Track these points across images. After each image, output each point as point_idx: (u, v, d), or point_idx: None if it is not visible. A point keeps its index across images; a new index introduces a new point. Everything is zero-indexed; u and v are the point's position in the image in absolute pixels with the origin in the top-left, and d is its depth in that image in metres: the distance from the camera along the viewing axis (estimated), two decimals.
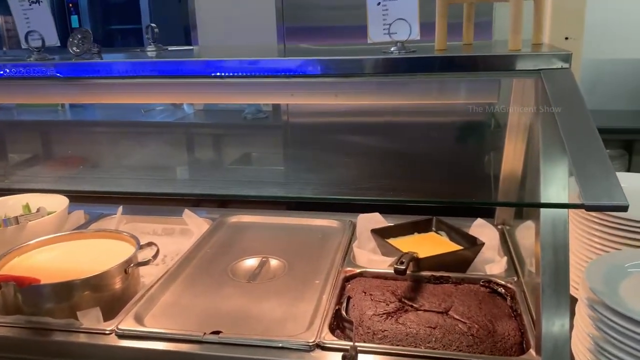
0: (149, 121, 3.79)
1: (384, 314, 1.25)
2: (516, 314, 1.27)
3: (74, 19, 6.14)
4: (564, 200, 0.90)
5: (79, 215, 1.89)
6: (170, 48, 1.54)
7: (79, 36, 1.42)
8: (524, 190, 1.45)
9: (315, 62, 1.21)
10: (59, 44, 1.36)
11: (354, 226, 1.75)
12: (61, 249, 1.51)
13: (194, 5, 4.27)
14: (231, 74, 1.23)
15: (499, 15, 2.44)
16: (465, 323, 1.22)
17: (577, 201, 0.83)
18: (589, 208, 0.76)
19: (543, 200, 0.96)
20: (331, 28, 2.64)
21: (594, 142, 0.86)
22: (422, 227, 1.72)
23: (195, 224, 1.81)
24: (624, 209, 0.77)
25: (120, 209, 1.87)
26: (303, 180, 1.95)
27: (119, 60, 1.35)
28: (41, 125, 3.92)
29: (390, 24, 1.19)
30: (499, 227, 1.70)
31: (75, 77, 1.31)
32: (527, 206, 1.05)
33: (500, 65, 1.10)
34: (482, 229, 1.66)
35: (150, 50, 1.46)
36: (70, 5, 6.17)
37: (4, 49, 6.31)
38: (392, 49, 1.20)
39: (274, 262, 1.56)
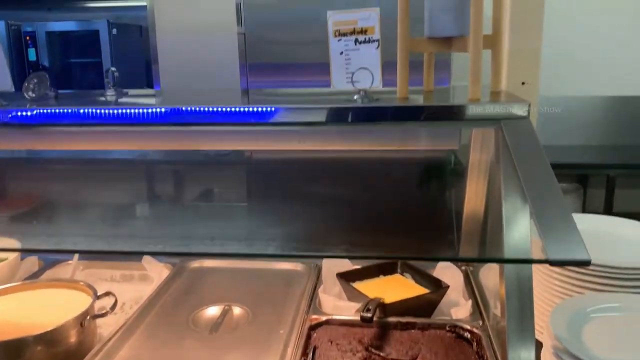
0: (106, 157, 3.71)
1: None
2: None
3: (32, 52, 6.02)
4: (528, 254, 0.90)
5: (33, 262, 1.81)
6: (130, 91, 1.51)
7: (35, 80, 1.38)
8: (486, 237, 1.46)
9: (279, 111, 1.21)
10: (13, 89, 1.32)
11: (319, 270, 1.73)
12: (12, 301, 1.43)
13: (155, 41, 4.24)
14: (191, 121, 1.21)
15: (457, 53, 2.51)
16: None
17: (540, 253, 0.84)
18: (553, 263, 0.77)
19: (507, 252, 0.97)
20: (293, 65, 2.66)
21: (556, 196, 0.87)
22: (387, 270, 1.70)
23: (155, 270, 1.75)
24: (587, 263, 0.78)
25: (77, 255, 1.80)
26: (265, 229, 1.92)
27: (76, 107, 1.31)
28: None
29: (352, 73, 1.20)
30: (463, 268, 1.71)
31: (30, 125, 1.27)
32: (492, 262, 1.05)
33: (461, 115, 1.12)
34: (446, 271, 1.66)
35: (110, 95, 1.43)
36: (28, 38, 6.06)
37: None
38: (355, 97, 1.21)
39: (236, 311, 1.52)
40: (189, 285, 1.68)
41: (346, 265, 1.72)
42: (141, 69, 6.27)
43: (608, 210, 3.35)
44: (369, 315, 1.31)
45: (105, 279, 1.80)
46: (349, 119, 1.18)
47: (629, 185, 3.67)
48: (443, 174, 2.14)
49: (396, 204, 1.97)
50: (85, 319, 1.32)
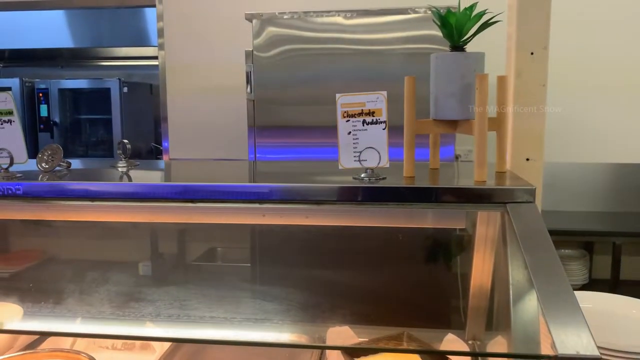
0: (110, 221, 3.72)
1: None
2: None
3: (43, 108, 6.15)
4: (536, 347, 0.90)
5: None
6: (140, 162, 1.54)
7: (49, 152, 1.41)
8: (492, 322, 1.45)
9: (286, 189, 1.23)
10: (27, 162, 1.35)
11: (323, 341, 1.70)
12: None
13: (165, 99, 4.34)
14: (201, 198, 1.23)
15: None
16: None
17: (549, 348, 0.83)
18: (562, 359, 0.76)
19: (515, 345, 0.96)
20: (302, 128, 2.71)
21: (563, 286, 0.87)
22: (392, 342, 1.68)
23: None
24: None
25: (78, 321, 1.78)
26: (269, 304, 1.90)
27: (88, 181, 1.34)
28: None
29: (360, 152, 1.22)
30: (470, 342, 1.68)
31: (42, 198, 1.29)
32: (500, 356, 1.04)
33: (467, 197, 1.13)
34: (453, 345, 1.63)
35: (121, 166, 1.46)
36: (41, 95, 6.21)
37: None
38: (362, 175, 1.23)
39: None
40: (192, 355, 1.65)
41: (351, 336, 1.69)
42: (150, 126, 6.39)
43: (615, 277, 3.32)
44: None
45: (107, 346, 1.77)
46: (356, 199, 1.20)
47: (635, 252, 3.64)
48: (449, 254, 2.14)
49: (402, 277, 1.95)
50: None
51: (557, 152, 3.64)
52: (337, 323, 1.74)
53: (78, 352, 1.47)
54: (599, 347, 1.21)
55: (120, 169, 1.45)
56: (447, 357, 1.53)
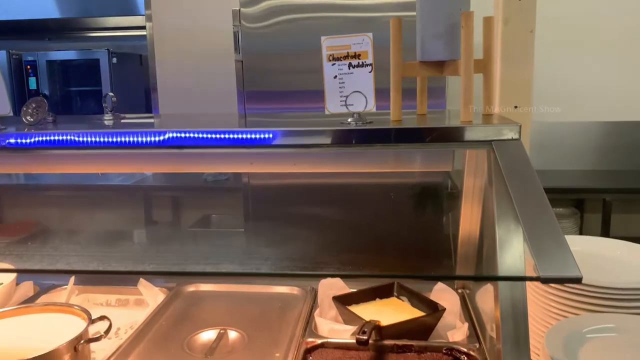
0: (105, 184, 3.72)
1: None
2: None
3: (32, 81, 6.07)
4: (521, 272, 0.91)
5: (28, 287, 1.80)
6: (128, 116, 1.53)
7: (33, 105, 1.40)
8: (481, 258, 1.47)
9: (274, 134, 1.22)
10: (11, 114, 1.33)
11: (315, 293, 1.73)
12: (6, 326, 1.42)
13: (155, 69, 4.30)
14: (187, 144, 1.23)
15: (452, 79, 2.55)
16: None
17: (532, 272, 0.84)
18: (545, 281, 0.77)
19: (500, 271, 0.97)
20: (290, 92, 2.69)
21: (547, 215, 0.88)
22: (383, 293, 1.70)
23: (150, 294, 1.75)
24: (578, 280, 0.78)
25: (72, 279, 1.79)
26: (261, 251, 1.92)
27: (74, 130, 1.33)
28: None
29: (346, 96, 1.22)
30: (459, 291, 1.71)
31: (28, 148, 1.28)
32: (484, 279, 1.06)
33: (453, 137, 1.14)
34: (442, 294, 1.66)
35: (108, 119, 1.45)
36: (29, 67, 6.11)
37: None
38: (349, 120, 1.22)
39: (232, 335, 1.51)
40: (184, 310, 1.67)
41: (342, 288, 1.72)
42: (141, 97, 6.33)
43: (605, 234, 3.35)
44: (365, 337, 1.30)
45: (101, 303, 1.79)
46: (343, 141, 1.20)
47: (625, 209, 3.68)
48: (438, 196, 2.16)
49: (392, 225, 1.98)
50: (79, 343, 1.31)
51: (549, 111, 3.64)
52: (328, 274, 1.77)
53: (71, 305, 1.48)
54: (587, 285, 1.23)
55: (106, 122, 1.44)
56: (436, 303, 1.55)
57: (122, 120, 1.45)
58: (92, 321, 1.40)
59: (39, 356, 1.24)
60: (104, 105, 1.49)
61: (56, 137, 1.31)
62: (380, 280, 1.74)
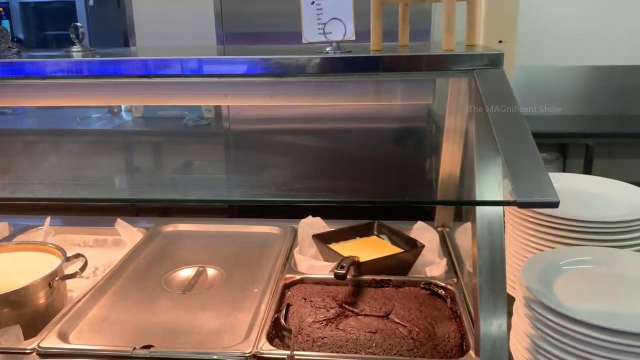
0: (84, 129, 3.64)
1: (323, 320, 1.22)
2: (456, 316, 1.26)
3: (5, 24, 5.83)
4: (498, 198, 0.89)
5: (3, 227, 1.77)
6: (100, 51, 1.46)
7: None
8: (461, 191, 1.46)
9: (248, 62, 1.18)
10: None
11: (295, 232, 1.72)
12: None
13: (131, 11, 4.14)
14: (159, 73, 1.18)
15: (437, 20, 2.49)
16: (406, 326, 1.20)
17: (509, 196, 0.83)
18: (521, 205, 0.76)
19: (478, 198, 0.95)
20: (269, 34, 2.61)
21: (526, 141, 0.86)
22: (363, 232, 1.70)
23: (128, 234, 1.72)
24: (555, 205, 0.77)
25: (48, 219, 1.76)
26: (241, 185, 1.90)
27: (39, 59, 1.27)
28: None
29: (325, 24, 1.17)
30: (439, 229, 1.71)
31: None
32: (459, 204, 1.04)
33: (434, 65, 1.10)
34: (422, 232, 1.66)
35: (76, 51, 1.38)
36: (1, 10, 5.86)
37: None
38: (327, 49, 1.18)
39: (211, 272, 1.50)
40: (162, 249, 1.65)
41: (322, 227, 1.71)
42: (119, 41, 6.13)
43: None
44: (343, 272, 1.30)
45: (78, 244, 1.77)
46: (322, 70, 1.16)
47: (608, 154, 3.69)
48: (419, 129, 2.13)
49: (373, 158, 1.95)
50: (54, 280, 1.29)
51: (533, 55, 3.59)
52: (308, 215, 1.75)
53: (45, 244, 1.46)
54: (566, 218, 1.23)
55: (75, 53, 1.37)
56: (415, 240, 1.55)
57: (91, 52, 1.38)
58: (67, 259, 1.38)
59: (14, 291, 1.22)
60: (71, 36, 1.41)
61: (19, 67, 1.25)
62: (360, 220, 1.74)
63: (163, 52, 1.33)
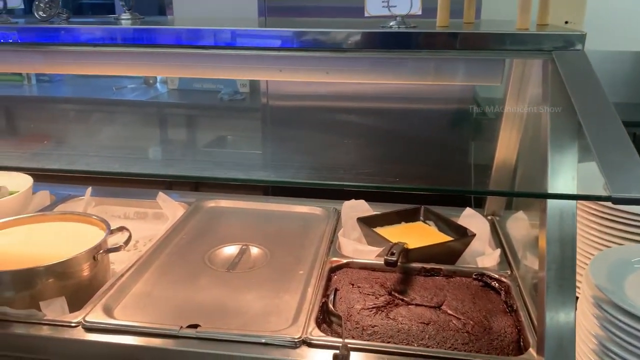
0: (120, 99, 3.63)
1: (373, 307, 1.18)
2: (511, 310, 1.21)
3: None
4: (573, 191, 0.83)
5: (44, 196, 1.76)
6: (146, 18, 1.42)
7: (45, 0, 1.28)
8: (522, 180, 1.39)
9: (306, 34, 1.11)
10: (22, 7, 1.23)
11: (338, 214, 1.67)
12: (23, 232, 1.39)
13: None
14: (213, 44, 1.12)
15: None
16: (460, 319, 1.15)
17: (594, 192, 0.76)
18: (616, 201, 0.69)
19: (551, 191, 0.89)
20: (318, 7, 2.52)
21: (617, 131, 0.79)
22: (409, 216, 1.64)
23: (169, 208, 1.70)
24: None
25: (89, 190, 1.74)
26: (282, 164, 1.85)
27: (89, 25, 1.23)
28: (3, 99, 3.71)
29: None
30: (489, 217, 1.64)
31: (40, 43, 1.18)
32: (538, 197, 0.97)
33: (510, 44, 1.02)
34: (471, 220, 1.59)
35: (125, 19, 1.34)
36: None
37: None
38: (390, 24, 1.11)
39: (254, 251, 1.46)
40: (204, 224, 1.62)
41: (366, 210, 1.66)
42: (154, 10, 6.09)
43: None
44: (394, 259, 1.25)
45: (119, 216, 1.75)
46: (384, 46, 1.09)
47: None
48: (463, 110, 2.03)
49: (426, 142, 1.88)
50: (98, 253, 1.28)
51: (596, 40, 3.42)
52: (351, 196, 1.70)
53: (89, 215, 1.44)
54: (636, 214, 1.15)
55: (123, 21, 1.33)
56: (465, 228, 1.49)
57: (141, 21, 1.34)
58: (111, 231, 1.36)
59: (57, 264, 1.20)
60: (120, 3, 1.37)
61: (70, 33, 1.21)
62: (404, 204, 1.68)
63: (212, 22, 1.28)
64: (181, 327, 1.08)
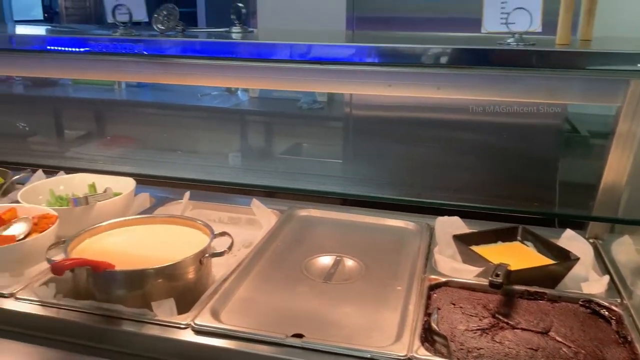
0: (206, 106, 3.75)
1: (477, 329, 1.15)
2: (625, 341, 1.15)
3: None
4: None
5: (144, 198, 1.84)
6: (253, 30, 1.46)
7: (165, 13, 1.35)
8: (633, 204, 1.32)
9: (418, 50, 1.11)
10: (147, 20, 1.29)
11: (431, 229, 1.65)
12: (132, 233, 1.46)
13: None
14: (326, 60, 1.14)
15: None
16: (570, 347, 1.10)
17: None
18: None
19: None
20: (406, 18, 2.51)
21: None
22: (506, 236, 1.59)
23: (263, 215, 1.74)
24: None
25: (187, 194, 1.81)
26: (366, 178, 1.85)
27: (212, 40, 1.28)
28: (98, 103, 3.92)
29: (508, 13, 1.08)
30: (591, 241, 1.57)
31: (161, 55, 1.24)
32: None
33: (635, 63, 0.97)
34: (572, 243, 1.53)
35: (236, 32, 1.39)
36: None
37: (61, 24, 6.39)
38: (508, 40, 1.09)
39: (349, 262, 1.47)
40: (298, 233, 1.65)
41: (461, 227, 1.63)
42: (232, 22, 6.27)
43: None
44: (499, 281, 1.22)
45: (214, 220, 1.80)
46: (500, 63, 1.07)
47: None
48: (556, 128, 1.94)
49: (524, 160, 1.82)
50: (204, 257, 1.32)
51: None
52: (443, 212, 1.68)
53: (195, 220, 1.49)
54: None
55: (234, 34, 1.38)
56: (567, 251, 1.43)
57: (251, 34, 1.38)
58: (214, 236, 1.40)
59: (167, 266, 1.25)
60: (232, 17, 1.42)
61: (188, 46, 1.26)
62: (498, 222, 1.64)
63: (329, 37, 1.31)
64: (287, 335, 1.10)
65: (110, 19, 1.28)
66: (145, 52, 1.21)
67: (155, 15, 1.36)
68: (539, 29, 1.07)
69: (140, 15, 1.27)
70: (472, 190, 1.93)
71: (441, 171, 2.15)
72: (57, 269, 1.14)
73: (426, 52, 1.11)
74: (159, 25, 1.35)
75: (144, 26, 1.35)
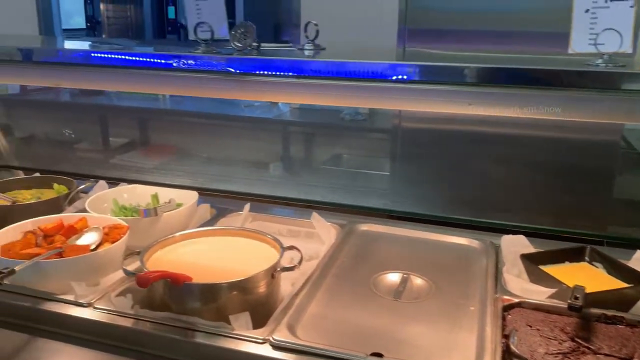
0: (250, 116, 3.79)
1: (558, 353, 1.13)
2: None
3: (171, 10, 6.27)
4: None
5: (206, 209, 1.87)
6: (324, 47, 1.48)
7: (241, 30, 1.38)
8: None
9: (502, 70, 1.11)
10: (228, 37, 1.32)
11: (496, 248, 1.63)
12: (203, 245, 1.48)
13: (299, 4, 4.20)
14: (411, 79, 1.15)
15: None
16: None
17: None
18: None
19: None
20: (458, 31, 2.49)
21: None
22: (574, 256, 1.57)
23: (322, 229, 1.74)
24: None
25: (248, 206, 1.83)
26: (420, 195, 1.83)
27: (279, 57, 1.30)
28: (142, 112, 3.99)
29: (597, 34, 1.07)
30: None
31: (242, 73, 1.27)
32: None
33: None
34: None
35: (308, 49, 1.40)
36: None
37: (103, 36, 6.54)
38: (597, 62, 1.08)
39: (417, 281, 1.46)
40: (361, 249, 1.65)
41: (526, 246, 1.61)
42: (268, 35, 6.34)
43: None
44: (579, 304, 1.19)
45: (274, 232, 1.82)
46: (587, 84, 1.06)
47: None
48: (613, 145, 1.90)
49: (582, 174, 1.79)
50: (276, 271, 1.33)
51: None
52: (505, 231, 1.66)
53: (265, 234, 1.50)
54: None
55: (307, 52, 1.40)
56: (639, 272, 1.40)
57: (324, 52, 1.40)
58: (284, 250, 1.41)
59: (241, 280, 1.27)
60: (304, 35, 1.44)
61: (264, 64, 1.28)
62: (564, 241, 1.62)
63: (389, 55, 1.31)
64: (367, 354, 1.10)
65: (192, 37, 1.30)
66: (232, 70, 1.23)
67: (233, 32, 1.39)
68: (630, 50, 1.06)
69: (222, 32, 1.30)
70: (533, 210, 1.91)
71: (496, 188, 2.12)
72: (142, 281, 1.16)
73: (511, 72, 1.10)
74: (236, 43, 1.38)
75: (213, 42, 1.38)
